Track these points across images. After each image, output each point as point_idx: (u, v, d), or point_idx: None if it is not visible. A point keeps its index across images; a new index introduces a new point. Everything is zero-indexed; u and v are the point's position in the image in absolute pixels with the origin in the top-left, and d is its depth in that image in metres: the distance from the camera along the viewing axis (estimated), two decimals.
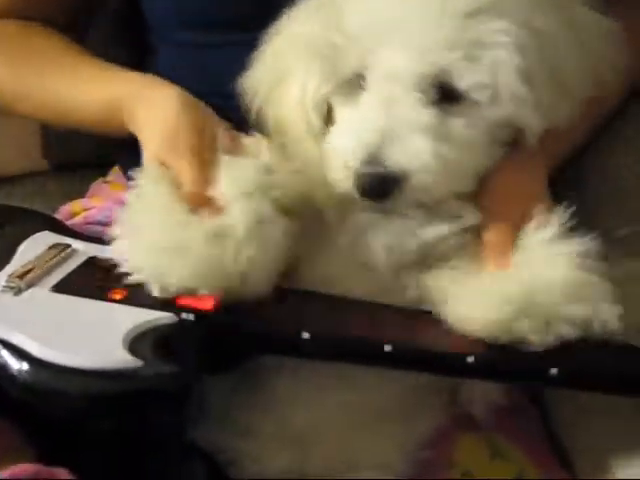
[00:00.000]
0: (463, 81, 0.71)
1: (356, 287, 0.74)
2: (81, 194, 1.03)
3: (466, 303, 0.70)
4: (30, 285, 0.71)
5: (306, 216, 0.74)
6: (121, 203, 0.94)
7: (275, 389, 0.74)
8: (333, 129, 0.76)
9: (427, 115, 0.71)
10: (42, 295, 0.70)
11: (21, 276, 0.71)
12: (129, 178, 0.96)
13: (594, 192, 0.89)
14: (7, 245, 0.77)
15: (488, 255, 0.74)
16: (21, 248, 0.77)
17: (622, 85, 0.83)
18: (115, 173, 1.03)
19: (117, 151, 1.00)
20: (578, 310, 0.68)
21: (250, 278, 0.69)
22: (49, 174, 1.15)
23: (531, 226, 0.72)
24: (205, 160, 0.75)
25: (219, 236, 0.69)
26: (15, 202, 1.07)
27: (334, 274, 0.75)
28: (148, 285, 0.69)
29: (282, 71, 0.77)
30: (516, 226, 0.73)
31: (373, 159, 0.70)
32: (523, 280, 0.70)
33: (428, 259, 0.74)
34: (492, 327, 0.68)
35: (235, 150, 0.75)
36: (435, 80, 0.71)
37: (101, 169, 1.05)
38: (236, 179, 0.72)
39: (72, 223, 0.93)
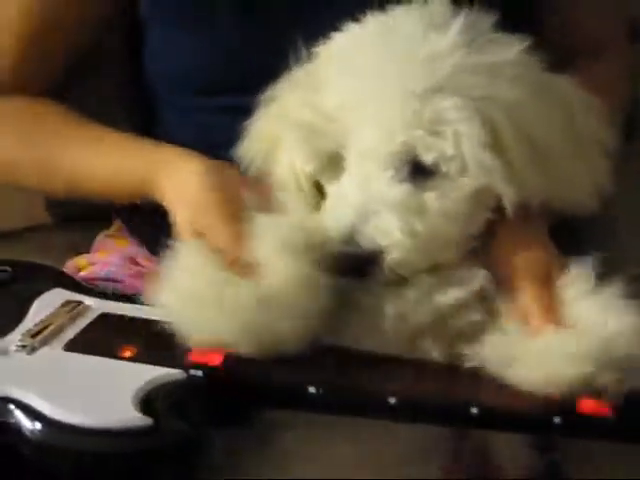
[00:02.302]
0: (429, 155, 0.73)
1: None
2: (86, 247, 1.04)
3: (538, 364, 0.69)
4: (43, 344, 0.72)
5: None
6: (125, 257, 0.98)
7: (284, 444, 0.75)
8: (324, 205, 0.78)
9: (400, 191, 0.73)
10: (55, 354, 0.72)
11: (34, 335, 0.73)
12: (130, 231, 1.00)
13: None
14: (20, 303, 0.79)
15: (532, 312, 0.73)
16: (34, 306, 0.78)
17: None
18: (117, 226, 1.05)
19: (117, 208, 1.01)
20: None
21: (294, 341, 0.70)
22: (53, 228, 1.16)
23: (564, 279, 0.73)
24: (239, 224, 0.76)
25: (266, 301, 0.70)
26: (19, 257, 1.06)
27: (348, 338, 0.74)
28: (184, 338, 0.70)
29: (274, 140, 0.80)
30: (543, 276, 0.74)
31: (349, 239, 0.72)
32: (595, 333, 0.69)
33: (442, 322, 0.74)
34: (573, 384, 0.67)
35: (266, 206, 0.76)
36: (405, 156, 0.73)
37: (106, 222, 1.07)
38: (273, 239, 0.73)
39: (78, 278, 0.93)
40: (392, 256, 0.72)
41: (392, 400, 0.68)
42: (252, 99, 0.82)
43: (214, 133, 0.90)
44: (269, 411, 0.73)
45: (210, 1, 0.90)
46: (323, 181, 0.79)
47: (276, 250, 0.73)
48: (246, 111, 0.82)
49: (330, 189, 0.78)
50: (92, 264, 0.99)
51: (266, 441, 0.74)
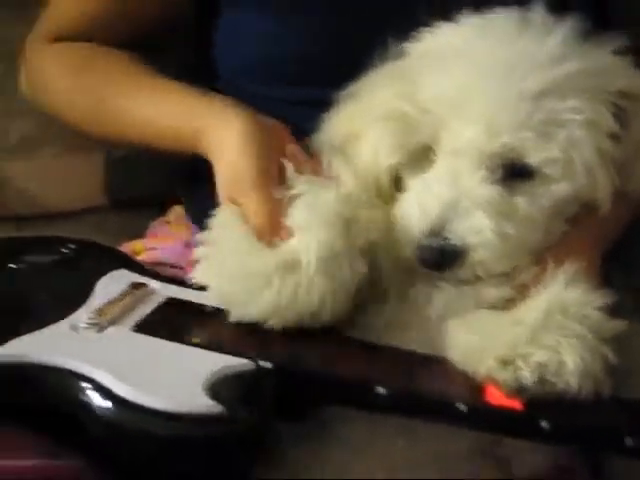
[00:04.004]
0: (534, 157, 0.73)
1: (412, 338, 0.75)
2: (140, 231, 1.04)
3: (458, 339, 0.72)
4: (112, 323, 0.72)
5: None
6: (184, 244, 0.98)
7: (345, 440, 0.75)
8: (402, 197, 0.77)
9: (492, 192, 0.73)
10: (123, 334, 0.71)
11: (103, 314, 0.73)
12: (193, 218, 1.00)
13: None
14: (85, 281, 0.78)
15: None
16: (99, 285, 0.78)
17: None
18: (175, 213, 1.05)
19: (181, 185, 1.02)
20: (536, 354, 0.67)
21: (320, 313, 0.72)
22: (108, 210, 1.15)
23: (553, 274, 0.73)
24: (272, 194, 0.76)
25: (290, 268, 0.71)
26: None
27: (389, 325, 0.76)
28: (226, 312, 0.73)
29: (356, 133, 0.79)
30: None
31: (435, 232, 0.72)
32: (496, 319, 0.72)
33: None
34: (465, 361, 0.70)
35: (314, 177, 0.76)
36: (504, 158, 0.73)
37: (161, 207, 1.07)
38: (311, 209, 0.73)
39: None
40: (479, 255, 0.72)
41: (461, 406, 0.68)
42: (331, 93, 0.81)
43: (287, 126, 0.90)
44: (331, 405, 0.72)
45: None
46: (404, 174, 0.78)
47: (310, 221, 0.73)
48: (323, 105, 0.82)
49: (412, 182, 0.77)
50: (149, 249, 0.98)
51: (329, 435, 0.74)
